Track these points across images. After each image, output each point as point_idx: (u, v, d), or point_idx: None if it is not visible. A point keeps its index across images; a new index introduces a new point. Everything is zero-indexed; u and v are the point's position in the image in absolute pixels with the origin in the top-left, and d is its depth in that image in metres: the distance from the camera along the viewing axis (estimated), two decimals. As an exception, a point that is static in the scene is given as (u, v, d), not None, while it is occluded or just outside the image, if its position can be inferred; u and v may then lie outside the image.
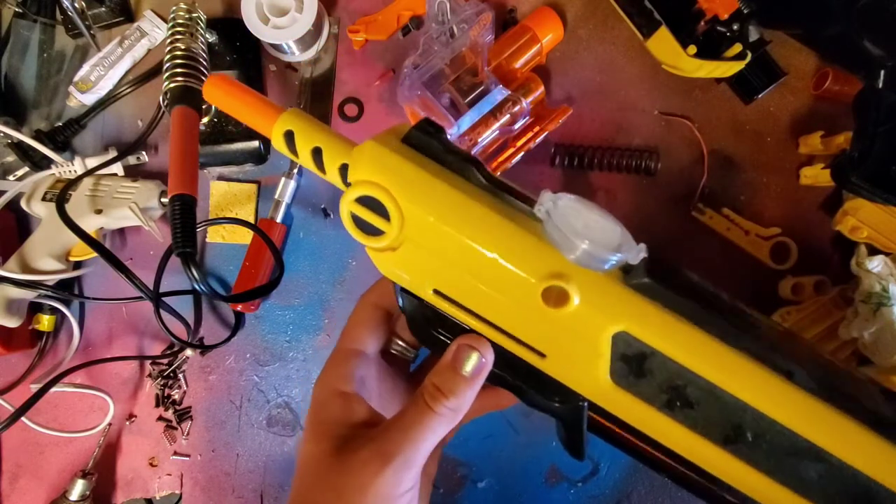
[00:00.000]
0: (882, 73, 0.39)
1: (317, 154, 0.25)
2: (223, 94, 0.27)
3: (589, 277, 0.23)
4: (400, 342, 0.32)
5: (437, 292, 0.25)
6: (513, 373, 0.25)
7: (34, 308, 0.54)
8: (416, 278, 0.25)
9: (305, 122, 0.26)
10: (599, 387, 0.23)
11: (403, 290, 0.26)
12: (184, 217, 0.42)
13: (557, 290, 0.22)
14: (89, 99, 0.55)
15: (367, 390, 0.28)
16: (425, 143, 0.25)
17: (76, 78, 0.54)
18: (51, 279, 0.51)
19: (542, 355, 0.24)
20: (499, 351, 0.25)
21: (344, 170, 0.25)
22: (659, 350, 0.22)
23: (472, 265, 0.23)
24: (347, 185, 0.25)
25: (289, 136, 0.25)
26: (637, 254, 0.22)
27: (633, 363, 0.23)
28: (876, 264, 0.45)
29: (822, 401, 0.21)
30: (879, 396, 0.23)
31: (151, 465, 0.55)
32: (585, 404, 0.24)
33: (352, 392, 0.27)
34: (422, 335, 0.26)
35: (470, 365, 0.25)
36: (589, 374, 0.23)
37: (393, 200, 0.23)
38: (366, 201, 0.24)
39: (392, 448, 0.24)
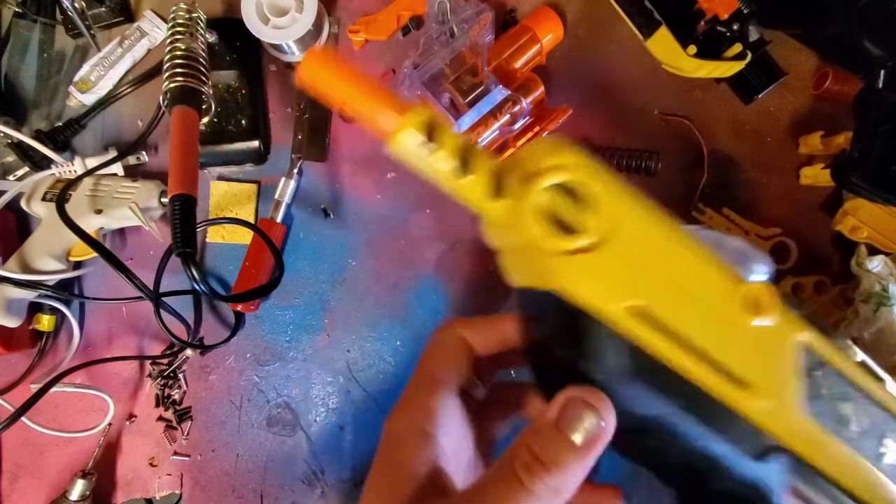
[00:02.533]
0: (882, 73, 0.39)
1: (465, 151, 0.21)
2: (331, 74, 0.22)
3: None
4: (474, 377, 0.26)
5: (632, 309, 0.20)
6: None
7: (34, 308, 0.54)
8: (609, 289, 0.20)
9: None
10: (795, 420, 0.20)
11: (566, 314, 0.20)
12: (184, 217, 0.42)
13: (754, 294, 0.20)
14: (89, 99, 0.55)
15: (445, 432, 0.23)
16: None
17: (76, 78, 0.54)
18: (51, 279, 0.51)
19: (743, 385, 0.20)
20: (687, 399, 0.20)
21: (496, 176, 0.21)
22: (828, 361, 0.21)
23: (671, 272, 0.20)
24: (495, 195, 0.21)
25: (431, 127, 0.21)
26: (772, 268, 0.22)
27: (813, 380, 0.21)
28: (876, 264, 0.45)
29: None
30: None
31: (151, 465, 0.55)
32: (784, 461, 0.20)
33: (432, 433, 0.22)
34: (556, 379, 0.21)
35: (582, 428, 0.18)
36: (785, 404, 0.20)
37: (599, 187, 0.20)
38: (563, 189, 0.20)
39: None
